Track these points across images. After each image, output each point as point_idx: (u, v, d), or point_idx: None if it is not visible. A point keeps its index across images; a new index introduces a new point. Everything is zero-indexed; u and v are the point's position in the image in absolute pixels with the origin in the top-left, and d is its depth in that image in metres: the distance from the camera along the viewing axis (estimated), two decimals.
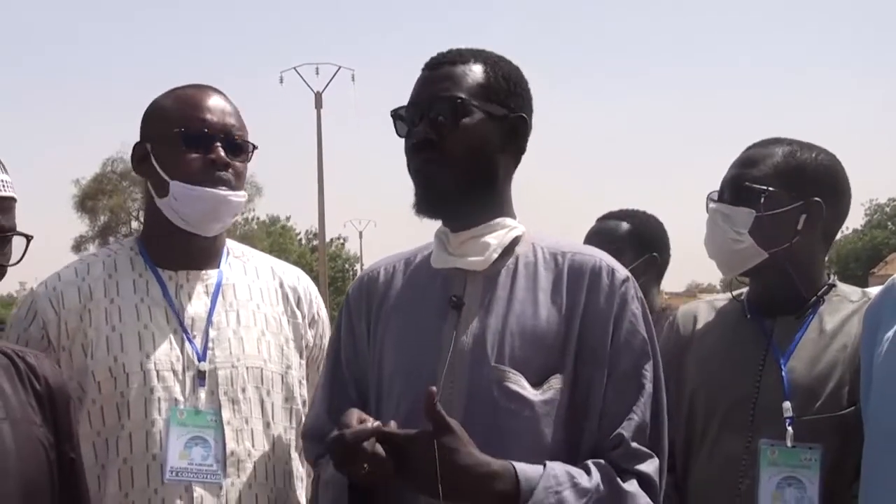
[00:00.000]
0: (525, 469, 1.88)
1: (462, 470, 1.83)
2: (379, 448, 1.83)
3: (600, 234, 3.51)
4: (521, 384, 1.96)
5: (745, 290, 2.50)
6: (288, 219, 52.80)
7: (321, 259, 37.75)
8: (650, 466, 1.97)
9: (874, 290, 2.43)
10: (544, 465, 1.90)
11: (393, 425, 1.89)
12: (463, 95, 2.02)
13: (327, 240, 44.87)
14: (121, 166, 44.45)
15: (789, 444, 2.22)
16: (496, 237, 2.06)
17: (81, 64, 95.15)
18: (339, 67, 37.91)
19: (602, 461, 1.94)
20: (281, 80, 37.17)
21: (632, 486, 1.93)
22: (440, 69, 2.07)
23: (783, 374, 2.29)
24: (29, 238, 1.95)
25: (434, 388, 1.84)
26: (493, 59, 2.09)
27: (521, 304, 2.02)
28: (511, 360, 1.98)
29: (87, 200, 44.09)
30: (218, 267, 2.40)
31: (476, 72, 2.06)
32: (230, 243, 2.48)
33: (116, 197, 44.06)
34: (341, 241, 61.11)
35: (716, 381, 2.37)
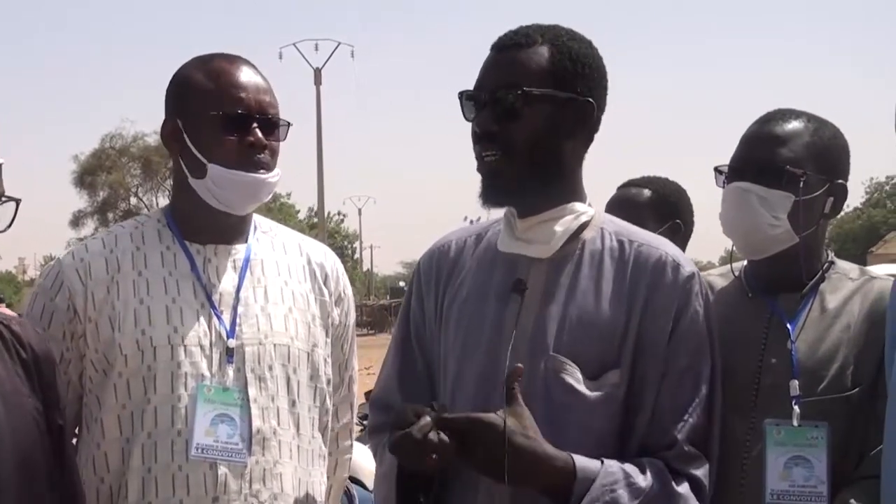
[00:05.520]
0: (584, 464, 1.91)
1: (526, 455, 1.86)
2: (443, 436, 1.86)
3: (621, 203, 3.40)
4: (576, 377, 1.97)
5: (739, 265, 2.45)
6: (288, 195, 52.74)
7: (321, 236, 37.73)
8: (701, 470, 1.98)
9: (873, 269, 2.42)
10: (601, 461, 1.92)
11: (449, 410, 1.94)
12: (526, 85, 1.99)
13: (326, 215, 44.82)
14: (120, 142, 44.41)
15: (796, 423, 2.21)
16: (563, 224, 2.05)
17: (82, 40, 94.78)
18: (339, 44, 37.89)
19: (657, 461, 1.95)
20: (280, 57, 37.07)
21: (684, 488, 1.95)
22: (506, 53, 2.04)
23: (793, 352, 2.26)
24: (18, 201, 1.91)
25: (521, 366, 1.89)
26: (561, 38, 2.05)
27: (584, 294, 2.02)
28: (570, 350, 1.99)
29: (86, 176, 44.02)
30: (246, 242, 2.38)
31: (542, 55, 2.02)
32: (257, 218, 2.46)
33: (116, 173, 43.96)
34: (340, 216, 61.19)
35: None
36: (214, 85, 2.28)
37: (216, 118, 2.26)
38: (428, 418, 1.87)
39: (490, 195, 2.05)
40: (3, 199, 1.89)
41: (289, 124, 2.36)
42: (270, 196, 2.36)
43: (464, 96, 2.07)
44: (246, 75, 2.31)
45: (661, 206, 3.39)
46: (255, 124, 2.26)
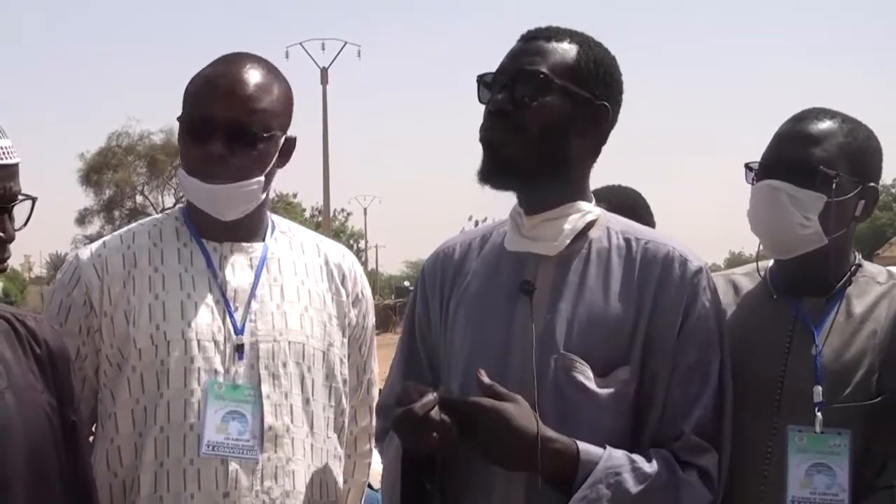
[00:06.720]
0: (588, 448, 1.91)
1: (529, 438, 1.87)
2: (445, 416, 1.87)
3: None
4: (587, 374, 1.97)
5: (765, 265, 2.42)
6: (294, 196, 52.74)
7: (326, 235, 37.75)
8: (710, 461, 1.99)
9: None
10: (605, 447, 1.93)
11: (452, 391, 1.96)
12: (547, 72, 1.99)
13: (331, 213, 44.84)
14: (126, 141, 44.55)
15: (818, 429, 2.17)
16: (570, 222, 2.05)
17: (82, 40, 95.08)
18: (346, 43, 37.88)
19: (664, 451, 1.96)
20: (287, 56, 36.99)
21: (691, 476, 1.96)
22: (532, 43, 2.05)
23: (817, 357, 2.22)
24: (34, 200, 1.93)
25: (482, 371, 1.92)
26: (588, 42, 2.07)
27: (592, 292, 2.02)
28: (579, 348, 1.98)
29: (92, 174, 44.20)
30: (263, 240, 2.37)
31: (567, 51, 2.03)
32: (276, 218, 2.45)
33: (122, 171, 44.10)
34: (344, 213, 61.25)
35: (739, 363, 2.29)
36: (194, 88, 2.27)
37: (183, 123, 2.26)
38: (431, 396, 1.88)
39: (488, 171, 2.03)
40: (21, 197, 1.91)
41: (281, 135, 2.27)
42: (257, 200, 2.28)
43: (482, 80, 2.06)
44: (227, 82, 2.22)
45: (620, 213, 3.43)
46: (217, 135, 2.19)
